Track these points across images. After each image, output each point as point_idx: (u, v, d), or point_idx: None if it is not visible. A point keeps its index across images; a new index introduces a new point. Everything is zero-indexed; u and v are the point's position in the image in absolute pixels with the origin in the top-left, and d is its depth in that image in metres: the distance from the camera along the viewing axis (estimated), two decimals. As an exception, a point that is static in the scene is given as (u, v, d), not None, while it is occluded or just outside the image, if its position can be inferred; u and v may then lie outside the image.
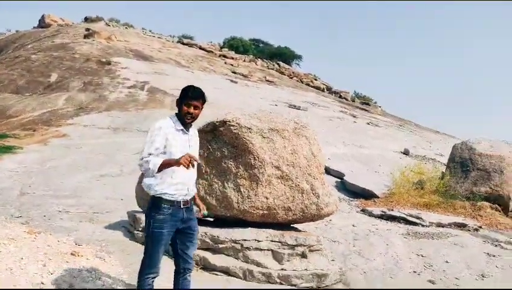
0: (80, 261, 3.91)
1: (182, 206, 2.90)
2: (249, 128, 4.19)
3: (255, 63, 37.31)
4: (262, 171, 4.12)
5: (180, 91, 2.99)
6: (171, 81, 20.98)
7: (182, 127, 2.93)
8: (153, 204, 2.90)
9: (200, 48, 38.89)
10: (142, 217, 4.73)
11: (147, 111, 15.74)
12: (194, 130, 3.08)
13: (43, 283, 3.34)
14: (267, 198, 4.14)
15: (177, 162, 2.71)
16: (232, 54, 38.64)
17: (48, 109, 15.07)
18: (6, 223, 4.74)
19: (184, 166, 2.69)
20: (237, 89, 22.36)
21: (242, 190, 4.19)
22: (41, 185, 7.25)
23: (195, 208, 3.09)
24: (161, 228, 2.86)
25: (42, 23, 38.77)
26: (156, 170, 2.75)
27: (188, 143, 2.95)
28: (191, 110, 2.89)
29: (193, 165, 2.77)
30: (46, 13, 39.67)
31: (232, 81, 24.25)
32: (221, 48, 41.61)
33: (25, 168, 8.41)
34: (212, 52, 38.21)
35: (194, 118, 2.95)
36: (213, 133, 4.40)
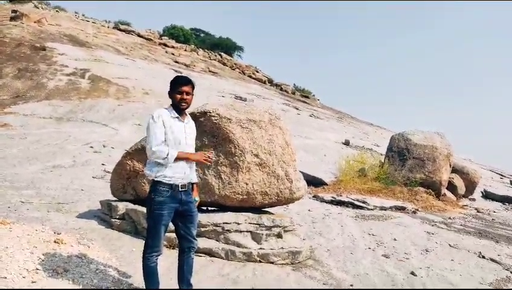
0: (66, 248, 3.95)
1: (180, 189, 3.11)
2: (229, 119, 4.45)
3: (197, 53, 36.99)
4: (243, 159, 4.41)
5: (170, 83, 3.20)
6: (113, 70, 20.33)
7: (177, 115, 3.15)
8: (153, 188, 3.09)
9: (139, 36, 37.74)
10: (120, 205, 4.84)
11: (91, 100, 15.19)
12: (189, 119, 3.29)
13: (38, 269, 3.37)
14: (246, 184, 4.44)
15: (194, 157, 3.14)
16: (172, 42, 37.93)
17: (-20, 96, 14.03)
18: (-27, 214, 4.58)
19: (203, 163, 3.17)
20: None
21: (223, 176, 4.45)
22: (-6, 176, 6.92)
23: None
24: (161, 209, 3.05)
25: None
26: (173, 160, 3.02)
27: (184, 130, 3.16)
28: (184, 96, 3.12)
29: (210, 162, 3.21)
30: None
31: (176, 71, 23.98)
32: (161, 36, 40.62)
33: (-31, 158, 7.92)
34: (151, 40, 37.24)
35: (188, 104, 3.18)
36: (192, 123, 4.59)
